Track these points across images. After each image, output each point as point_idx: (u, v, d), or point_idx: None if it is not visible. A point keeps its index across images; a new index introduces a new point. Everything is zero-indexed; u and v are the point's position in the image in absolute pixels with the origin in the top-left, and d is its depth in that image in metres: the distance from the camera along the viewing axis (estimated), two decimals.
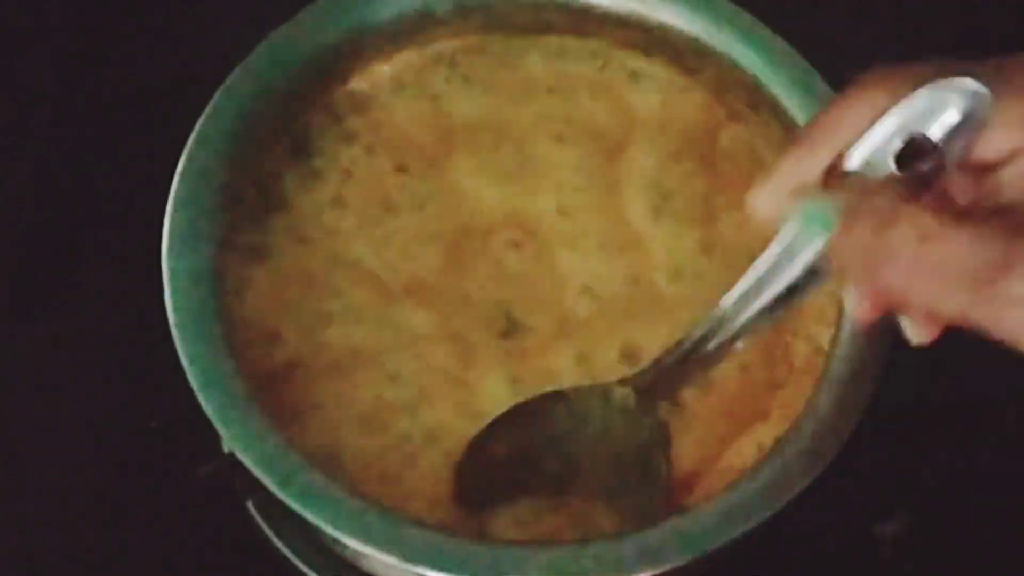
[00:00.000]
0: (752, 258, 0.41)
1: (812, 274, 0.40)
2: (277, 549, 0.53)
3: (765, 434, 0.46)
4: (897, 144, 0.38)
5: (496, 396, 0.46)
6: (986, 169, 0.38)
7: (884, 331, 0.45)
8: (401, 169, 0.49)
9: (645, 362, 0.45)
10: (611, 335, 0.47)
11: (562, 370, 0.46)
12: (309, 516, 0.42)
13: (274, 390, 0.45)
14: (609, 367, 0.46)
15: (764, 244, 0.41)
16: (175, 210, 0.45)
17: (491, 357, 0.46)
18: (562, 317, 0.47)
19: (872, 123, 0.38)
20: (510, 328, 0.47)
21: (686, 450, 0.46)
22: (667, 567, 0.42)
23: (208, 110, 0.47)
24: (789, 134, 0.48)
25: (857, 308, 0.39)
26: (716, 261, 0.48)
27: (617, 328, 0.47)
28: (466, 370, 0.46)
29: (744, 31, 0.49)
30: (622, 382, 0.45)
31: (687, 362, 0.43)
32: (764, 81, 0.48)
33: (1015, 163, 0.37)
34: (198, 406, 0.43)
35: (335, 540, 0.43)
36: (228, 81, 0.47)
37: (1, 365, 0.56)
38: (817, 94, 0.48)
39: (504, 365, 0.46)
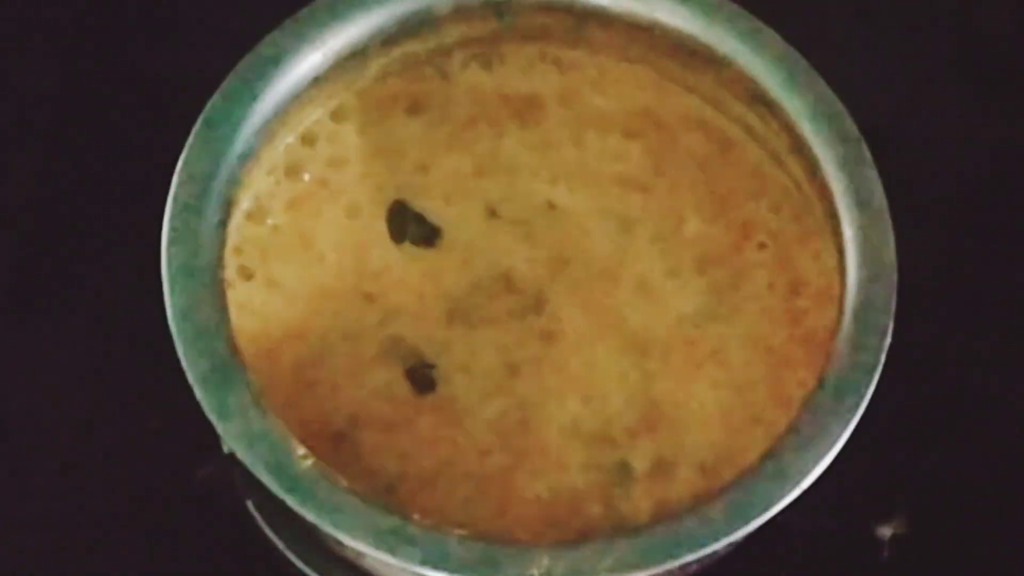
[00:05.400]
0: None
1: None
2: (277, 549, 0.53)
3: (765, 434, 0.46)
4: None
5: None
6: None
7: (880, 336, 0.45)
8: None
9: None
10: None
11: None
12: (310, 516, 0.42)
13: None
14: None
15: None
16: (175, 209, 0.45)
17: None
18: None
19: None
20: None
21: (692, 448, 0.46)
22: (667, 566, 0.42)
23: (208, 109, 0.47)
24: (788, 135, 0.48)
25: None
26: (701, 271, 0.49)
27: None
28: None
29: (744, 31, 0.49)
30: None
31: None
32: (764, 81, 0.48)
33: None
34: (198, 406, 0.43)
35: (335, 540, 0.43)
36: (229, 77, 0.47)
37: (1, 365, 0.56)
38: (817, 94, 0.48)
39: None
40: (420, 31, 0.49)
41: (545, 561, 0.42)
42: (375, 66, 0.50)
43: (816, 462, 0.43)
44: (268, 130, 0.47)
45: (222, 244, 0.45)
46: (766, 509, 0.43)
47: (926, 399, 0.57)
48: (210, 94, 0.47)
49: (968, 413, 0.57)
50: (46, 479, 0.54)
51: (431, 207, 0.49)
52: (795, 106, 0.48)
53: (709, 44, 0.49)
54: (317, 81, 0.48)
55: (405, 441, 0.46)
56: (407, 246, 0.48)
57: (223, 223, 0.46)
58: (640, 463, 0.46)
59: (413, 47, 0.50)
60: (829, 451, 0.43)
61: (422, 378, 0.46)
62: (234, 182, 0.46)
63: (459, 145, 0.50)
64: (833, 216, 0.47)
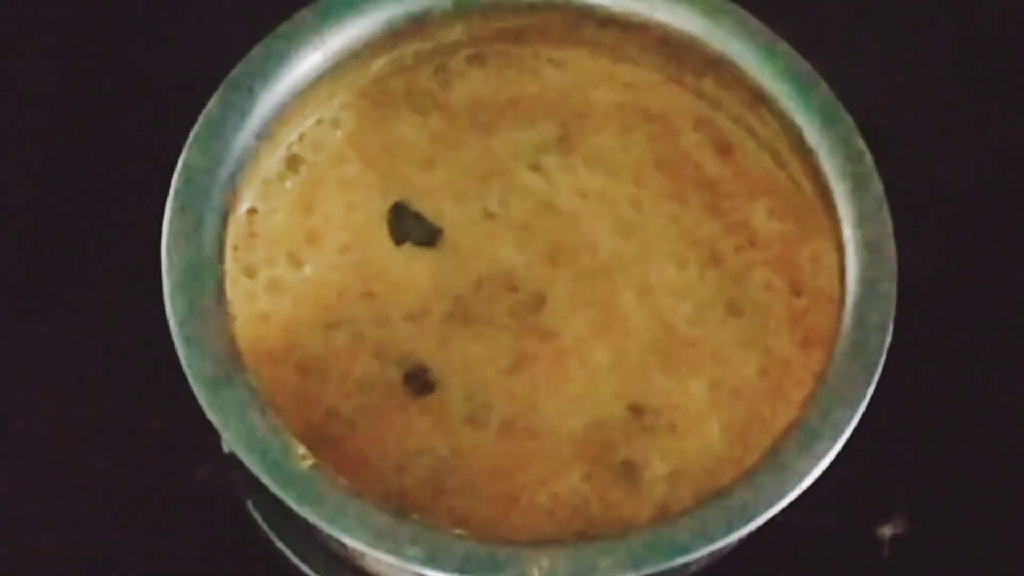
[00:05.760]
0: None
1: None
2: (277, 549, 0.53)
3: (765, 434, 0.46)
4: None
5: None
6: None
7: (880, 336, 0.45)
8: None
9: None
10: None
11: None
12: (309, 516, 0.42)
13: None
14: None
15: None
16: (175, 209, 0.45)
17: None
18: None
19: None
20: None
21: (691, 448, 0.46)
22: (667, 566, 0.42)
23: (208, 108, 0.47)
24: (788, 135, 0.48)
25: None
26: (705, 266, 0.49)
27: None
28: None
29: (744, 31, 0.49)
30: None
31: None
32: (764, 81, 0.48)
33: None
34: (198, 406, 0.43)
35: (335, 540, 0.43)
36: (229, 77, 0.47)
37: (0, 365, 0.56)
38: (817, 94, 0.48)
39: None
40: (420, 31, 0.49)
41: (545, 561, 0.42)
42: (375, 66, 0.50)
43: (816, 462, 0.43)
44: (268, 130, 0.47)
45: (222, 244, 0.46)
46: (766, 509, 0.43)
47: (926, 399, 0.57)
48: (210, 94, 0.47)
49: (968, 413, 0.57)
50: (46, 479, 0.54)
51: (431, 207, 0.49)
52: (795, 106, 0.48)
53: (709, 44, 0.49)
54: (317, 81, 0.48)
55: (405, 441, 0.46)
56: (407, 247, 0.48)
57: (223, 223, 0.46)
58: (640, 463, 0.46)
59: (413, 47, 0.50)
60: (829, 451, 0.43)
61: (422, 378, 0.46)
62: (234, 182, 0.46)
63: (459, 145, 0.50)
64: (833, 216, 0.47)
